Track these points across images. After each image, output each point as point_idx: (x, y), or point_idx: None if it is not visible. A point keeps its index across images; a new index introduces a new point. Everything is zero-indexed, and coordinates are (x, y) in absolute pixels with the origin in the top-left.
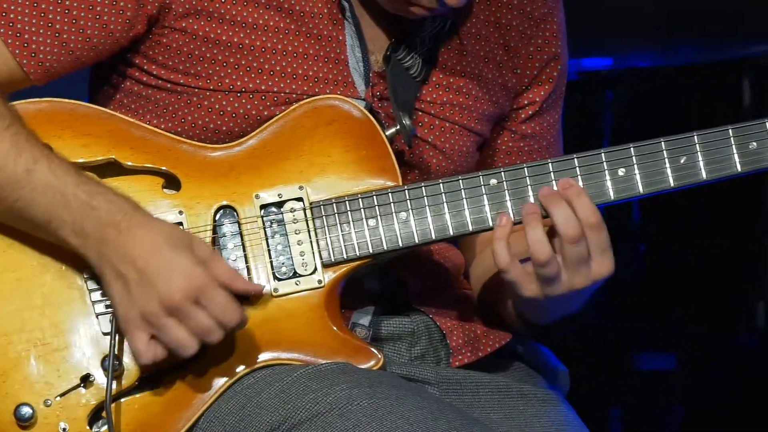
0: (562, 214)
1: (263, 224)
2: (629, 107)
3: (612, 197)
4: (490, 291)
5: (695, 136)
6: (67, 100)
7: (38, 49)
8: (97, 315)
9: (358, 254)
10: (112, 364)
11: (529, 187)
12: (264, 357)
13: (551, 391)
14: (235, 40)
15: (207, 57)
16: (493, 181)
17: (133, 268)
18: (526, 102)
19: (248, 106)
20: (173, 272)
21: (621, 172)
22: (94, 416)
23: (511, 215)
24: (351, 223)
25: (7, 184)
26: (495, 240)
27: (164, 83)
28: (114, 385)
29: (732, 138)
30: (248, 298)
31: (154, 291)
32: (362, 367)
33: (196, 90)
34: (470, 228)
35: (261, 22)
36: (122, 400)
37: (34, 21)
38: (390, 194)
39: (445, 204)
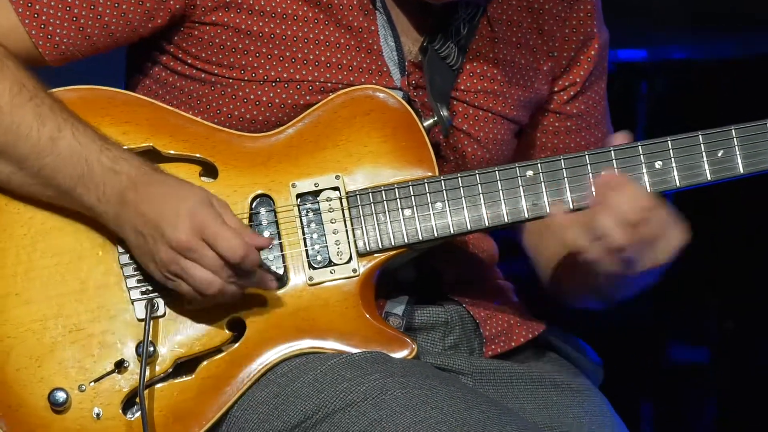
0: (624, 202)
1: (299, 213)
2: (664, 99)
3: (648, 190)
4: (561, 267)
5: (733, 130)
6: (106, 88)
7: (54, 31)
8: (133, 301)
9: (393, 244)
10: (145, 351)
11: (566, 179)
12: (298, 345)
13: (585, 382)
14: (266, 30)
15: (239, 48)
16: (530, 173)
17: (146, 223)
18: (567, 84)
19: (283, 96)
20: (179, 216)
21: (658, 164)
22: (128, 402)
23: (547, 208)
24: (387, 213)
25: (32, 153)
26: (565, 228)
27: (198, 73)
28: (148, 372)
29: None
30: (284, 285)
31: (165, 238)
32: (396, 356)
33: (231, 81)
34: (506, 219)
35: (290, 11)
36: (156, 386)
37: (52, 3)
38: (426, 184)
39: (481, 195)
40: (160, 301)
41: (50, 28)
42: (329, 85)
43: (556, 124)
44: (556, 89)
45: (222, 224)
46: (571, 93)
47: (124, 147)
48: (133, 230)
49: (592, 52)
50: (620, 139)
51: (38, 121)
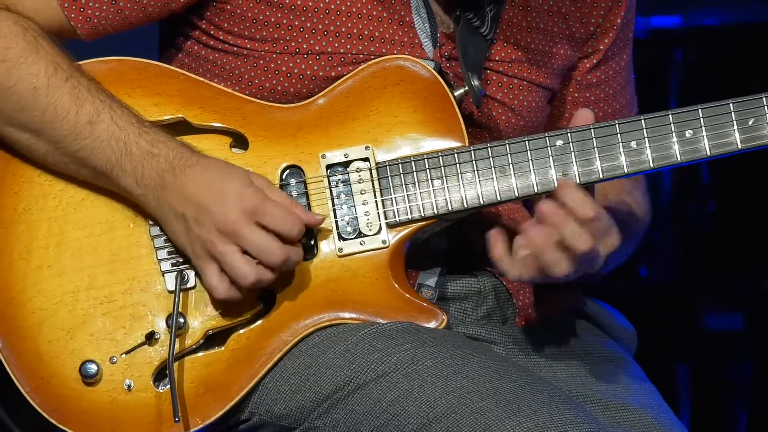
0: (571, 231)
1: (329, 184)
2: (698, 66)
3: (679, 159)
4: None
5: (764, 98)
6: (138, 59)
7: (87, 4)
8: (163, 273)
9: (422, 215)
10: (175, 322)
11: (596, 149)
12: (328, 316)
13: (618, 350)
14: (299, 2)
15: (272, 21)
16: (560, 143)
17: (189, 205)
18: (590, 50)
19: (315, 68)
20: (227, 197)
21: (688, 133)
22: (160, 373)
23: (577, 177)
24: (416, 183)
25: (69, 134)
26: (497, 260)
27: (230, 47)
28: (178, 343)
29: None
30: (314, 256)
31: (210, 219)
32: (426, 327)
33: (262, 53)
34: (535, 189)
35: None
36: (187, 357)
37: None
38: (456, 155)
39: (510, 165)
40: (191, 273)
41: (83, 1)
42: (360, 57)
43: (576, 94)
44: (580, 55)
45: (272, 202)
46: (594, 61)
47: (159, 124)
48: (173, 213)
49: (618, 20)
50: (582, 116)
51: (76, 103)
